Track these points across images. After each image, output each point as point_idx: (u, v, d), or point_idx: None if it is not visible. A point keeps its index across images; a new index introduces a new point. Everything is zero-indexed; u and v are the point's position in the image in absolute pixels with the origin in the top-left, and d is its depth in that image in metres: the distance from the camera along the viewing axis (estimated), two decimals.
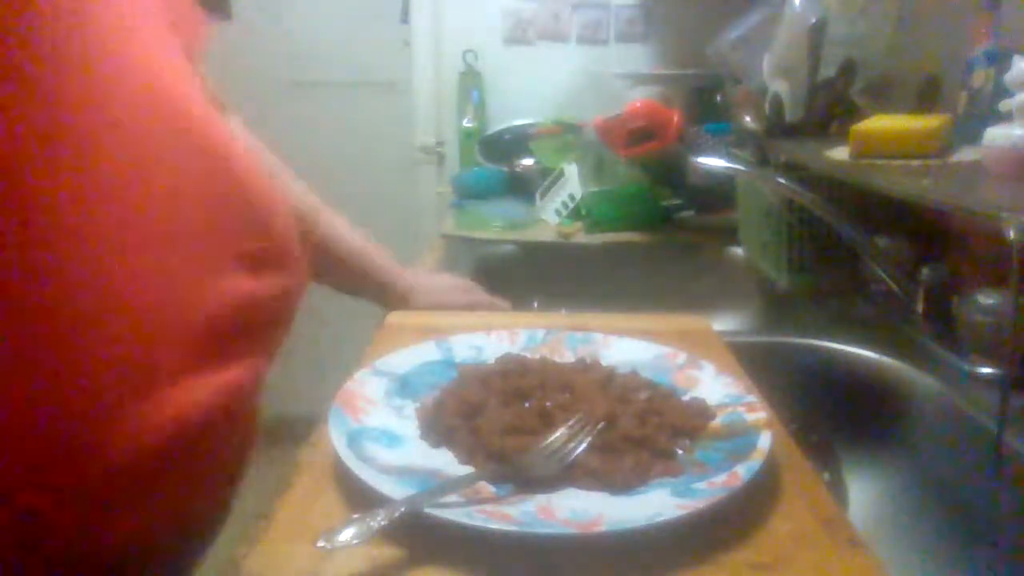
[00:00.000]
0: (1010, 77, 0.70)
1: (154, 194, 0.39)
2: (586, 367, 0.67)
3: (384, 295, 0.89)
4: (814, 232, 1.04)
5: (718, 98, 1.32)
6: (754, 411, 0.59)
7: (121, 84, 0.39)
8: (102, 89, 0.38)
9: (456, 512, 0.46)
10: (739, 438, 0.55)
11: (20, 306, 0.34)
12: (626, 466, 0.52)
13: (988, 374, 0.76)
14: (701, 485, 0.50)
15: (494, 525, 0.45)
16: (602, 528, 0.45)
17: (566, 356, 0.71)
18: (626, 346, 0.72)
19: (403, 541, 0.45)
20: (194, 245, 0.40)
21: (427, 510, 0.45)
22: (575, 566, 0.44)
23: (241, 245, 0.43)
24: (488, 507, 0.48)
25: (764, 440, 0.54)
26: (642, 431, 0.55)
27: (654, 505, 0.48)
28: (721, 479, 0.50)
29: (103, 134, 0.37)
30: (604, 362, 0.68)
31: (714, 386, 0.64)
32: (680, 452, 0.56)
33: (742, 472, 0.50)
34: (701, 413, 0.60)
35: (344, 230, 0.86)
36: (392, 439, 0.56)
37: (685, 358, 0.69)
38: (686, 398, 0.63)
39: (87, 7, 0.39)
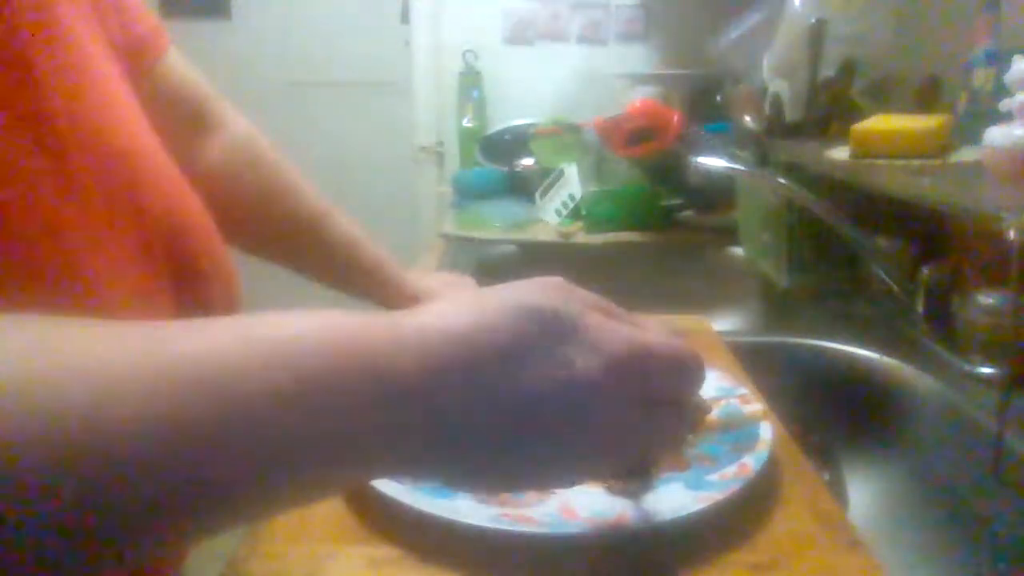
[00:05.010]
0: (1010, 77, 0.70)
1: None
2: None
3: (395, 301, 0.90)
4: (814, 232, 1.04)
5: (718, 98, 1.32)
6: (748, 403, 0.59)
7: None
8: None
9: (479, 517, 0.45)
10: (739, 429, 0.56)
11: None
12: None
13: (988, 374, 0.76)
14: (713, 477, 0.50)
15: (522, 529, 0.44)
16: (632, 525, 0.45)
17: None
18: None
19: (404, 541, 0.45)
20: None
21: (448, 516, 0.44)
22: (575, 566, 0.44)
23: None
24: (509, 510, 0.47)
25: (765, 430, 0.54)
26: None
27: (674, 500, 0.47)
28: (731, 470, 0.50)
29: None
30: None
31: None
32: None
33: (751, 463, 0.50)
34: (699, 406, 0.59)
35: (356, 236, 0.87)
36: None
37: None
38: None
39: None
